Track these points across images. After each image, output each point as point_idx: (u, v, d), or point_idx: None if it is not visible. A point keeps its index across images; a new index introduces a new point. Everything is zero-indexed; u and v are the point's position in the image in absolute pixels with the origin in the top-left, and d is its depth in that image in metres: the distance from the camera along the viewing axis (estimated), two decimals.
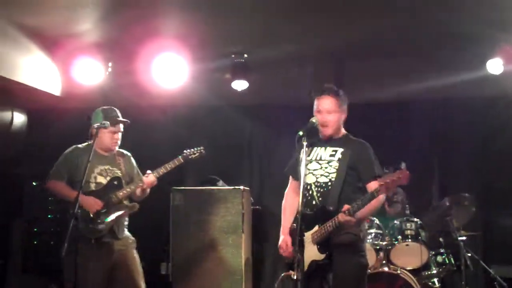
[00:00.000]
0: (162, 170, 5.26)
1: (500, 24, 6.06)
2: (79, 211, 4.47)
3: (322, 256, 4.28)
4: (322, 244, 4.29)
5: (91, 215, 4.99)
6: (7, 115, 7.03)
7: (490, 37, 6.35)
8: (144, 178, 5.22)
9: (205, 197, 6.79)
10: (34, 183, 7.89)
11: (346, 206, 4.12)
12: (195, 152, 5.38)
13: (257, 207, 7.63)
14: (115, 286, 5.09)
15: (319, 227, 4.29)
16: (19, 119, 7.19)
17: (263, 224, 7.61)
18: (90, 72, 6.96)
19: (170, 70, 6.89)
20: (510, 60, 6.59)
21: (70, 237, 4.27)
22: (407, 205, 6.84)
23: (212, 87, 7.59)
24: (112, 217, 5.07)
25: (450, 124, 7.71)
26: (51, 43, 6.83)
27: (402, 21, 6.23)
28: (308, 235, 4.28)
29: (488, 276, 6.83)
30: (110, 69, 7.11)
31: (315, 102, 4.53)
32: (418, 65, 7.09)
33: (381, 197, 4.21)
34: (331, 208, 4.30)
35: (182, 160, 5.32)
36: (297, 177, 4.62)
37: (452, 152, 7.70)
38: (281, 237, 4.63)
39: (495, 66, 6.70)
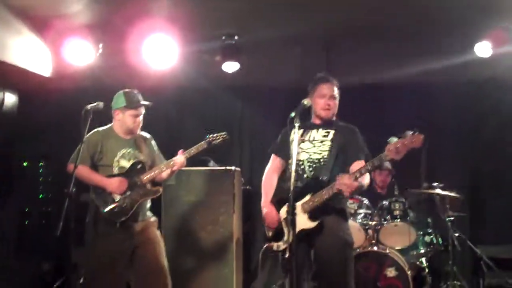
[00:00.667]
0: (192, 151, 5.27)
1: (489, 7, 6.09)
2: (73, 190, 4.45)
3: (312, 224, 4.41)
4: (313, 212, 4.42)
5: (116, 198, 5.00)
6: None
7: (479, 20, 6.38)
8: (175, 159, 5.20)
9: (197, 178, 6.79)
10: (25, 164, 7.91)
11: (352, 169, 4.28)
12: (218, 137, 5.37)
13: (248, 187, 7.68)
14: (138, 265, 5.10)
15: (310, 196, 4.43)
16: (10, 99, 7.18)
17: (253, 204, 7.63)
18: (81, 53, 6.93)
19: (160, 51, 6.89)
20: (499, 43, 6.63)
21: (66, 216, 4.28)
22: (396, 186, 6.92)
23: (203, 69, 7.61)
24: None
25: (439, 107, 7.77)
26: (41, 24, 6.80)
27: (391, 5, 6.25)
28: (297, 206, 4.41)
29: (475, 255, 6.96)
30: (100, 50, 7.11)
31: (316, 88, 4.74)
32: (407, 48, 7.10)
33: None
34: (324, 178, 4.47)
35: (205, 146, 5.32)
36: (281, 156, 4.92)
37: (441, 134, 7.76)
38: (264, 210, 4.81)
39: (483, 49, 6.75)
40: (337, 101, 4.76)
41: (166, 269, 5.20)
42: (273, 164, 5.01)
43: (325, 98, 4.69)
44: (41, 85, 7.42)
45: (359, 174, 4.24)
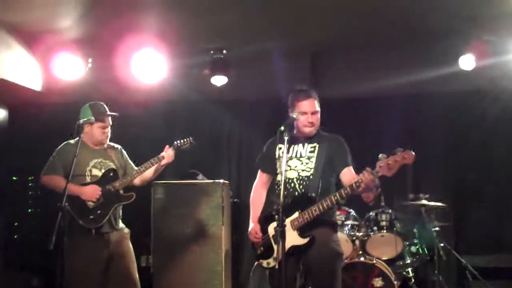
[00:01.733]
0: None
1: (472, 20, 6.22)
2: (65, 204, 4.52)
3: (303, 241, 4.45)
4: (303, 229, 4.46)
5: (90, 206, 5.10)
6: None
7: (463, 33, 6.52)
8: (164, 154, 5.35)
9: (186, 191, 6.85)
10: (14, 178, 7.93)
11: (345, 176, 4.37)
12: (185, 142, 5.50)
13: (236, 200, 7.73)
14: (111, 276, 5.19)
15: (299, 213, 4.46)
16: (0, 114, 7.21)
17: (241, 217, 7.68)
18: (71, 68, 7.03)
19: (149, 65, 6.99)
20: (482, 56, 6.77)
21: (58, 230, 4.32)
22: (382, 197, 7.00)
23: (191, 83, 7.70)
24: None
25: (424, 118, 7.83)
26: (31, 38, 6.87)
27: (377, 17, 6.37)
28: (287, 222, 4.40)
29: (460, 265, 7.01)
30: (90, 65, 7.19)
31: (297, 104, 4.70)
32: (392, 60, 7.25)
33: None
34: (313, 194, 4.49)
35: (174, 151, 5.43)
36: (267, 171, 4.96)
37: (426, 145, 7.83)
38: (251, 225, 4.86)
39: (467, 62, 6.88)
40: (319, 115, 4.72)
41: (138, 284, 5.34)
42: (260, 179, 5.06)
43: (307, 115, 4.65)
44: (31, 99, 7.48)
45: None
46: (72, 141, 5.31)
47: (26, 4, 6.00)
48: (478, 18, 6.22)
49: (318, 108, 4.71)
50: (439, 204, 6.70)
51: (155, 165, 5.38)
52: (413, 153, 4.08)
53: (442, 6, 5.98)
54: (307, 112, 4.65)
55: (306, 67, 7.63)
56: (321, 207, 4.38)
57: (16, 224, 7.84)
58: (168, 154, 5.36)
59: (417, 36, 6.76)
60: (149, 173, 5.46)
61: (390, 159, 4.08)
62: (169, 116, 8.32)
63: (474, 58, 6.80)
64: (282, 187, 4.25)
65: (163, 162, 5.35)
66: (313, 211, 4.41)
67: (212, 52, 7.21)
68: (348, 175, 4.52)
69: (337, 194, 4.36)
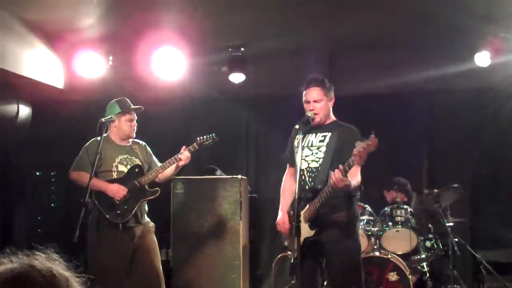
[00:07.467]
0: (193, 147, 5.54)
1: (488, 18, 6.26)
2: (88, 200, 4.69)
3: (312, 233, 4.54)
4: (312, 221, 4.56)
5: (117, 201, 5.26)
6: (13, 107, 7.19)
7: (478, 30, 6.56)
8: (181, 155, 5.45)
9: (205, 186, 6.96)
10: (37, 173, 8.11)
11: (340, 166, 4.23)
12: (208, 138, 5.59)
13: (254, 195, 7.82)
14: (135, 268, 5.35)
15: (309, 205, 4.55)
16: (24, 111, 7.35)
17: (259, 212, 7.80)
18: (92, 66, 7.16)
19: (169, 63, 7.09)
20: (497, 53, 6.80)
21: (82, 225, 4.51)
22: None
23: (210, 80, 7.80)
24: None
25: (439, 115, 7.87)
26: (54, 37, 7.02)
27: (393, 15, 6.44)
28: (301, 215, 4.51)
29: (475, 260, 7.06)
30: (111, 63, 7.32)
31: (303, 94, 4.81)
32: (408, 57, 7.30)
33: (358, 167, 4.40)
34: (319, 187, 4.55)
35: (197, 147, 5.55)
36: (292, 164, 5.01)
37: (441, 141, 7.87)
38: (280, 214, 4.93)
39: (482, 59, 6.92)
40: (323, 103, 4.74)
41: (162, 276, 5.49)
42: (289, 171, 5.14)
43: (308, 104, 4.74)
44: (53, 97, 7.63)
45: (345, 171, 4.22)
46: (98, 138, 5.45)
47: (48, 3, 6.15)
48: (493, 16, 6.26)
49: (322, 96, 4.74)
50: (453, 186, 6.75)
51: (174, 165, 5.50)
52: (376, 140, 3.97)
53: (458, 3, 6.03)
54: (308, 100, 4.75)
55: (324, 64, 7.70)
56: (321, 198, 4.43)
57: (39, 218, 8.01)
58: (185, 155, 5.46)
59: (433, 33, 6.82)
60: (169, 171, 5.59)
61: (360, 147, 4.01)
62: (188, 113, 8.43)
63: (490, 55, 6.84)
64: (296, 182, 4.32)
65: (180, 163, 5.48)
66: (316, 203, 4.48)
67: (230, 49, 7.32)
68: (352, 170, 4.38)
69: (325, 192, 4.41)
